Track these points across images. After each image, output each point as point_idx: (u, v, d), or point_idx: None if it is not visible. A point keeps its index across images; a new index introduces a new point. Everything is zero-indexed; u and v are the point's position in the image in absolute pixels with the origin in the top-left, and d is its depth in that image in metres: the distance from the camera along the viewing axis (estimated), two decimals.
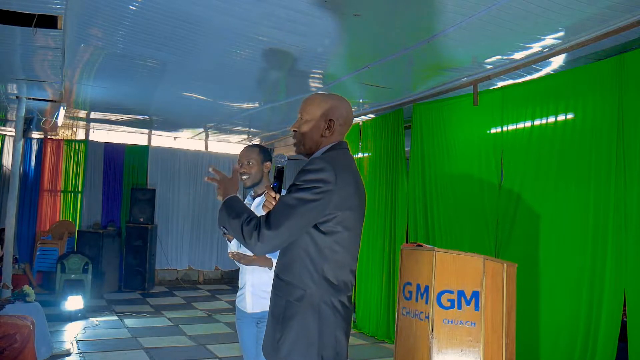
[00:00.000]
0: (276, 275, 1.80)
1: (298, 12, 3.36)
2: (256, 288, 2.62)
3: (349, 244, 1.74)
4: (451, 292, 2.86)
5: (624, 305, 3.35)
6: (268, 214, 1.66)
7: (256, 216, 1.69)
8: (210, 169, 1.94)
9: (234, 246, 2.77)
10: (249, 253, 2.59)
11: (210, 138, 9.64)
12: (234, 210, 1.74)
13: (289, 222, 1.62)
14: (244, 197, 3.13)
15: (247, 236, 1.63)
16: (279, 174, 1.87)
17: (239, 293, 2.74)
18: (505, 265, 2.91)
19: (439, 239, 4.87)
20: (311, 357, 1.65)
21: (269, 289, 2.49)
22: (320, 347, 1.66)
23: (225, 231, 1.81)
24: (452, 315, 2.85)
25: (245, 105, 6.43)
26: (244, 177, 2.68)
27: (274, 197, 1.77)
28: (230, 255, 2.60)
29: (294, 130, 1.86)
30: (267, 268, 2.56)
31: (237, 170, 1.99)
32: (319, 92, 1.98)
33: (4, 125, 8.03)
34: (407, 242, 5.00)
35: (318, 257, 1.68)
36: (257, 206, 2.67)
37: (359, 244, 1.82)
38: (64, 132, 8.87)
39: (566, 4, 3.08)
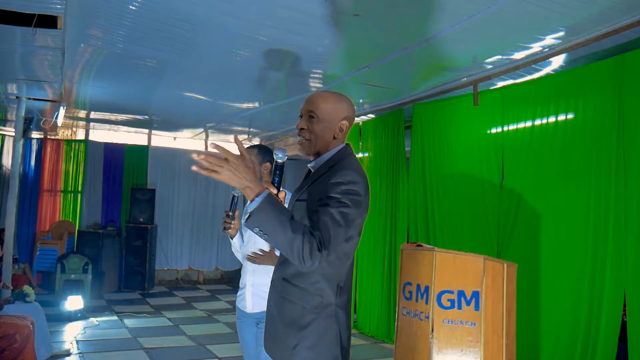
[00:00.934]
0: (286, 280, 1.72)
1: (298, 12, 3.36)
2: (256, 288, 2.62)
3: (357, 246, 1.76)
4: (451, 292, 2.86)
5: (624, 305, 3.36)
6: (320, 232, 1.52)
7: (309, 229, 1.53)
8: (196, 156, 1.41)
9: (236, 242, 2.77)
10: (265, 248, 2.59)
11: (210, 138, 9.64)
12: (285, 216, 1.50)
13: (341, 240, 1.58)
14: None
15: (308, 256, 1.48)
16: (279, 169, 1.79)
17: (239, 293, 2.74)
18: (505, 265, 2.90)
19: (440, 239, 4.87)
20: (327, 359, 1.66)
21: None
22: (335, 350, 1.67)
23: (264, 235, 1.52)
24: (452, 316, 2.84)
25: (245, 105, 6.43)
26: None
27: (276, 194, 1.75)
28: (247, 258, 2.61)
29: (301, 129, 1.77)
30: (267, 269, 2.57)
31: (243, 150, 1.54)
32: (329, 91, 1.88)
33: (4, 125, 8.02)
34: (407, 243, 4.99)
35: (337, 263, 1.67)
36: None
37: None
38: (63, 132, 8.87)
39: (566, 4, 3.08)
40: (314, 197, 1.65)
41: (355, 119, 6.39)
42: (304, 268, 1.52)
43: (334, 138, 1.76)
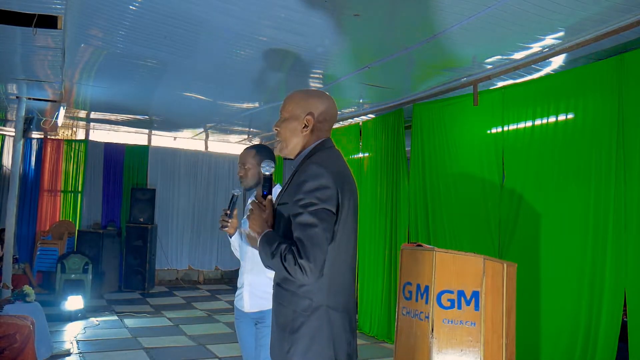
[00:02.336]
0: (277, 284, 1.73)
1: (298, 12, 3.36)
2: (254, 288, 2.61)
3: (348, 243, 1.72)
4: (451, 292, 2.86)
5: (624, 305, 3.36)
6: (294, 243, 1.57)
7: (287, 244, 1.59)
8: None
9: (235, 241, 2.77)
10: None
11: (210, 138, 9.65)
12: (269, 246, 1.63)
13: (321, 243, 1.56)
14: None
15: (293, 273, 1.56)
16: (267, 181, 1.83)
17: (237, 292, 2.75)
18: (505, 265, 2.91)
19: (441, 239, 4.87)
20: None
21: (267, 289, 2.50)
22: (332, 352, 1.64)
23: (271, 269, 1.70)
24: (452, 315, 2.84)
25: (245, 105, 6.43)
26: (242, 181, 2.71)
27: (264, 206, 1.77)
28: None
29: (276, 130, 1.81)
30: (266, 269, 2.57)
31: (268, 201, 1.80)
32: (302, 89, 1.89)
33: (4, 125, 8.03)
34: (408, 243, 4.99)
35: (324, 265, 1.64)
36: None
37: (356, 242, 1.80)
38: (64, 132, 8.87)
39: (566, 4, 3.08)
40: (284, 200, 1.69)
41: (355, 119, 6.48)
42: (305, 281, 1.58)
43: (302, 134, 1.76)
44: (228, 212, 2.61)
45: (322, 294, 1.64)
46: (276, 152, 1.86)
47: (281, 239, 1.63)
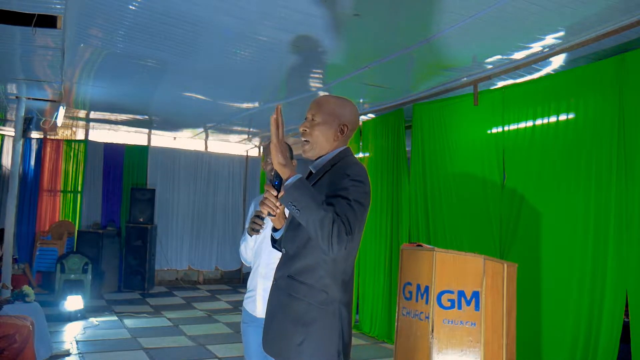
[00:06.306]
0: (290, 277, 1.75)
1: (298, 12, 3.36)
2: (267, 293, 2.49)
3: (358, 245, 1.79)
4: (451, 292, 2.86)
5: (626, 305, 3.35)
6: (339, 219, 1.57)
7: (335, 213, 1.59)
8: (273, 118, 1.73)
9: (251, 241, 2.60)
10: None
11: (210, 138, 9.64)
12: (319, 197, 1.61)
13: (358, 229, 1.64)
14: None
15: (336, 237, 1.54)
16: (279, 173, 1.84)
17: (247, 295, 2.63)
18: (505, 265, 2.90)
19: (442, 239, 4.86)
20: (332, 356, 1.69)
21: None
22: (339, 345, 1.70)
23: (297, 211, 1.59)
24: (452, 316, 2.84)
25: (245, 105, 6.43)
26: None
27: (276, 196, 1.77)
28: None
29: (303, 130, 1.84)
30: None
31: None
32: (331, 95, 1.94)
33: (4, 125, 8.02)
34: (409, 243, 4.99)
35: (342, 259, 1.70)
36: None
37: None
38: (63, 132, 8.86)
39: (566, 4, 3.08)
40: (320, 191, 1.70)
41: None
42: (330, 251, 1.56)
43: (334, 140, 1.82)
44: (263, 215, 2.42)
45: (337, 290, 1.71)
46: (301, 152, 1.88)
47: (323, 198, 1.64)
